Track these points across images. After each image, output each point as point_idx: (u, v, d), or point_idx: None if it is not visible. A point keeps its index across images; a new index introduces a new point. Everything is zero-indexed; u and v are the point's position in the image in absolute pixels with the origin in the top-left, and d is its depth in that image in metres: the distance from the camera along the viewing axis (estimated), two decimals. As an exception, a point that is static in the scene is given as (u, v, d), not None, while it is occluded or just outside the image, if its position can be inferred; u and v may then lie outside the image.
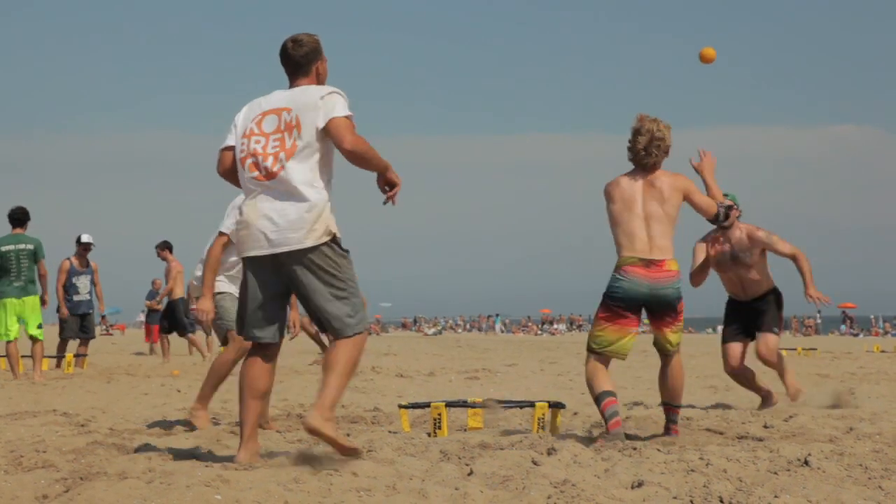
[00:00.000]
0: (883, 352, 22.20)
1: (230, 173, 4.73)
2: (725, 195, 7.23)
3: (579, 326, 59.44)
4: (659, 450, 5.15)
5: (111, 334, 40.46)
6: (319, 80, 4.70)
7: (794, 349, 21.59)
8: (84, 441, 5.44)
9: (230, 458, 4.77)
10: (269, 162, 4.50)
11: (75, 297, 13.71)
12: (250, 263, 4.58)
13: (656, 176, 5.84)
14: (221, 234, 6.37)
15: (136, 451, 5.17)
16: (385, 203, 4.70)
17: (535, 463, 4.68)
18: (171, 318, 16.24)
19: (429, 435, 6.05)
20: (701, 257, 7.77)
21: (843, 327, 50.53)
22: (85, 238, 13.99)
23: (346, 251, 4.58)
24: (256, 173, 4.54)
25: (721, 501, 3.83)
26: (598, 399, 5.65)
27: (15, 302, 11.38)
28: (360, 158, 4.49)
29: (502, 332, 54.69)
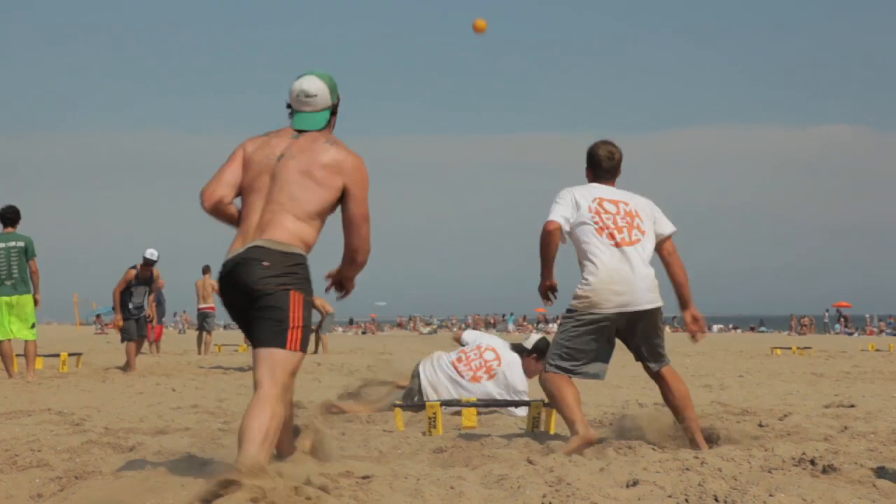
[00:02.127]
0: (878, 350, 22.24)
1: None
2: None
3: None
4: (654, 448, 5.16)
5: (106, 333, 40.40)
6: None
7: (789, 348, 21.59)
8: (79, 440, 5.43)
9: (226, 457, 4.76)
10: (625, 234, 5.43)
11: (130, 305, 13.79)
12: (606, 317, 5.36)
13: None
14: None
15: (131, 450, 5.16)
16: None
17: (530, 462, 4.69)
18: None
19: (424, 434, 6.06)
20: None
21: (837, 326, 50.59)
22: (148, 254, 14.04)
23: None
24: (614, 241, 5.39)
25: (716, 500, 3.84)
26: None
27: (7, 300, 11.34)
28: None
29: (516, 330, 54.46)
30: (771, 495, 3.83)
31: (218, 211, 4.20)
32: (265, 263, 3.89)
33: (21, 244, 11.36)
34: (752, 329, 57.72)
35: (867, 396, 9.20)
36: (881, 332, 46.74)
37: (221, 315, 22.39)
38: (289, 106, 4.27)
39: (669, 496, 3.92)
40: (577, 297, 5.40)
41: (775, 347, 21.54)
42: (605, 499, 3.87)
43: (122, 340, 13.82)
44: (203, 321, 20.12)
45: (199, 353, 19.47)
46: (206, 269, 20.10)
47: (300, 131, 4.20)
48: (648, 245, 5.48)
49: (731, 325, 62.15)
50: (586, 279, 5.36)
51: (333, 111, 4.30)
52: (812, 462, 4.60)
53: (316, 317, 21.35)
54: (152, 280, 14.23)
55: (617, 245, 5.38)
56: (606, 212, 5.46)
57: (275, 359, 3.84)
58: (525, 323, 58.81)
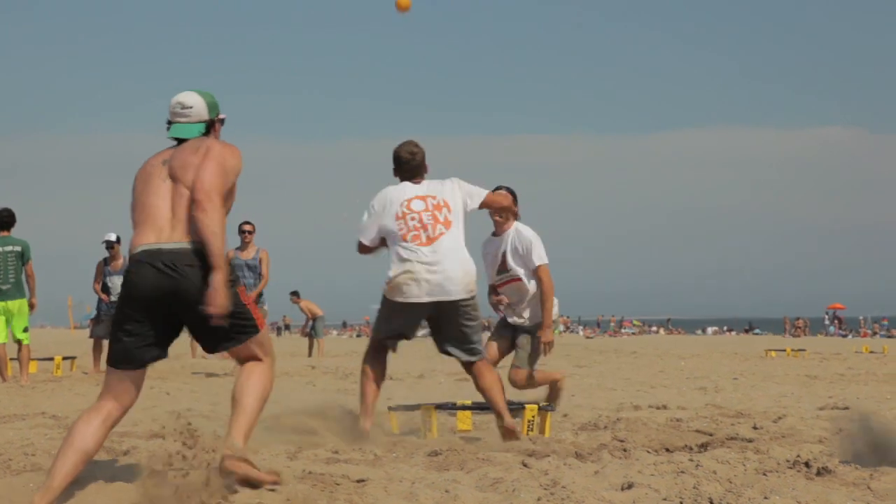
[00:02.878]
0: (872, 352, 22.27)
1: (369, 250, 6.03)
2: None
3: (567, 328, 59.48)
4: (649, 451, 5.16)
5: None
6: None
7: (784, 350, 21.61)
8: (73, 444, 5.41)
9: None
10: (430, 230, 5.78)
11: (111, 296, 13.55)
12: (411, 306, 5.80)
13: None
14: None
15: (126, 454, 5.16)
16: None
17: (524, 465, 4.69)
18: None
19: (419, 437, 6.05)
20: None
21: (831, 328, 50.65)
22: (106, 237, 13.78)
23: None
24: (419, 241, 5.76)
25: (711, 503, 3.84)
26: None
27: (3, 305, 11.29)
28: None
29: None
30: (766, 498, 3.83)
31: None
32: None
33: (17, 248, 11.30)
34: (747, 331, 57.75)
35: (861, 398, 9.21)
36: (875, 333, 46.82)
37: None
38: (168, 122, 4.24)
39: (664, 499, 3.92)
40: (386, 284, 5.86)
41: (770, 349, 21.56)
42: (600, 502, 3.87)
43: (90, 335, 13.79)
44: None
45: (193, 356, 19.45)
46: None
47: (179, 141, 4.18)
48: (457, 231, 5.83)
49: (725, 328, 62.22)
50: (389, 272, 5.81)
51: (210, 126, 4.24)
52: (807, 464, 4.60)
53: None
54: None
55: (423, 244, 5.76)
56: (413, 212, 5.83)
57: (258, 339, 4.09)
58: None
